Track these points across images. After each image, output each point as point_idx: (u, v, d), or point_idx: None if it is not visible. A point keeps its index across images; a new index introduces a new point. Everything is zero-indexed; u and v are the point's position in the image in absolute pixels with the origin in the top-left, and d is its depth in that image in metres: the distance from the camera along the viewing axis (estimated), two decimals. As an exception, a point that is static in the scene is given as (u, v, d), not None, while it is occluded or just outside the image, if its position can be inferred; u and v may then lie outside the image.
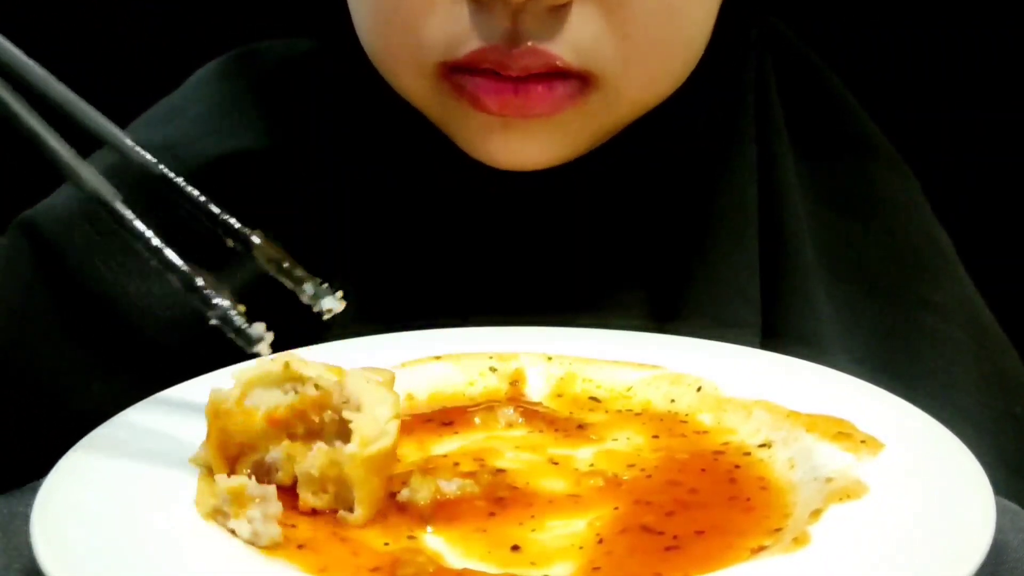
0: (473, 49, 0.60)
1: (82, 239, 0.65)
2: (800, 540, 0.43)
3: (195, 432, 0.49)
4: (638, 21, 0.61)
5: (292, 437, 0.48)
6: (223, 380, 0.50)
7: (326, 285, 0.50)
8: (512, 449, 0.53)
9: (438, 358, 0.60)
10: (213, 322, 0.47)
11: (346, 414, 0.47)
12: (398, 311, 0.67)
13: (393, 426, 0.48)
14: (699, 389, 0.57)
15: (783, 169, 0.73)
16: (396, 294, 0.69)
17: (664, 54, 0.63)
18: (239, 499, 0.45)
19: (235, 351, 0.49)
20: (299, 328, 0.54)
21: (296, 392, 0.48)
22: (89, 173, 0.48)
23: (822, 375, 0.57)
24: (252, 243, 0.50)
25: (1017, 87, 0.90)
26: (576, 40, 0.60)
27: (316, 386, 0.48)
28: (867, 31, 0.89)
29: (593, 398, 0.58)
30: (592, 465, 0.52)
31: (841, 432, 0.50)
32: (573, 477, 0.51)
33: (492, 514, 0.48)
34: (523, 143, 0.63)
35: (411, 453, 0.53)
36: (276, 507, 0.46)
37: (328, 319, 0.50)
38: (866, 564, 0.42)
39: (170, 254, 0.47)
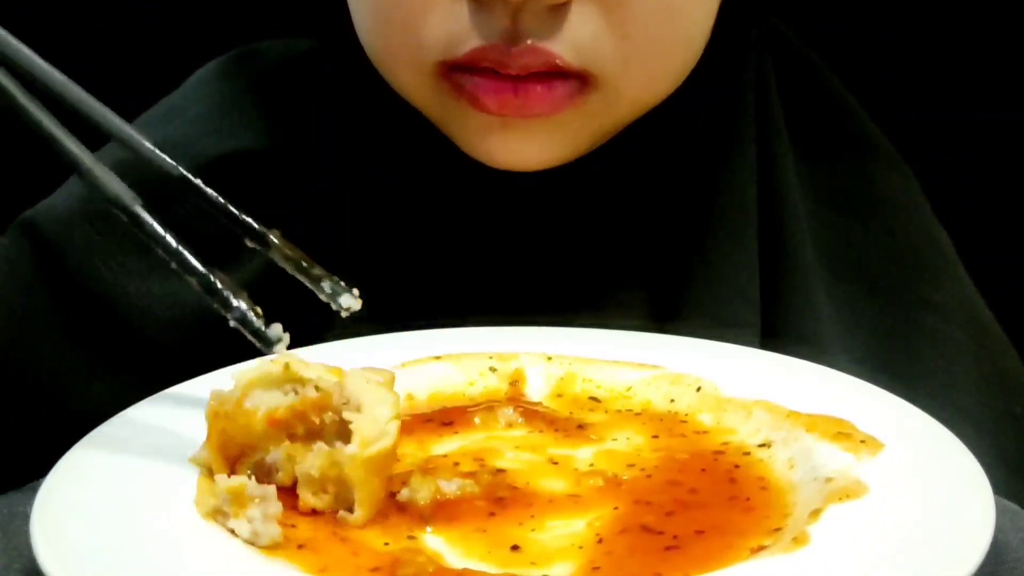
0: (473, 48, 0.60)
1: (82, 239, 0.65)
2: (800, 540, 0.43)
3: (195, 432, 0.49)
4: (638, 21, 0.61)
5: (292, 438, 0.48)
6: (223, 380, 0.50)
7: (343, 283, 0.51)
8: (512, 449, 0.53)
9: (438, 358, 0.60)
10: (232, 324, 0.47)
11: (346, 415, 0.47)
12: (398, 311, 0.67)
13: (393, 426, 0.48)
14: (699, 389, 0.57)
15: (783, 169, 0.73)
16: (396, 294, 0.69)
17: (664, 54, 0.63)
18: (239, 499, 0.45)
19: (235, 351, 0.49)
20: (299, 328, 0.54)
21: (296, 393, 0.48)
22: (107, 176, 0.48)
23: (822, 375, 0.57)
24: (270, 242, 0.51)
25: (1017, 87, 0.90)
26: (576, 39, 0.60)
27: (316, 387, 0.48)
28: (867, 31, 0.89)
29: (593, 398, 0.58)
30: (592, 465, 0.52)
31: (841, 432, 0.50)
32: (573, 477, 0.51)
33: (492, 514, 0.48)
34: (522, 143, 0.63)
35: (411, 453, 0.53)
36: (276, 507, 0.46)
37: (346, 316, 0.51)
38: (866, 564, 0.42)
39: (189, 256, 0.47)
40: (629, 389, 0.58)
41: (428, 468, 0.50)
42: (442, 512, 0.48)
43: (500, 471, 0.51)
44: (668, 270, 0.70)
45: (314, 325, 0.53)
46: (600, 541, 0.46)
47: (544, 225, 0.70)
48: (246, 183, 0.67)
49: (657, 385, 0.58)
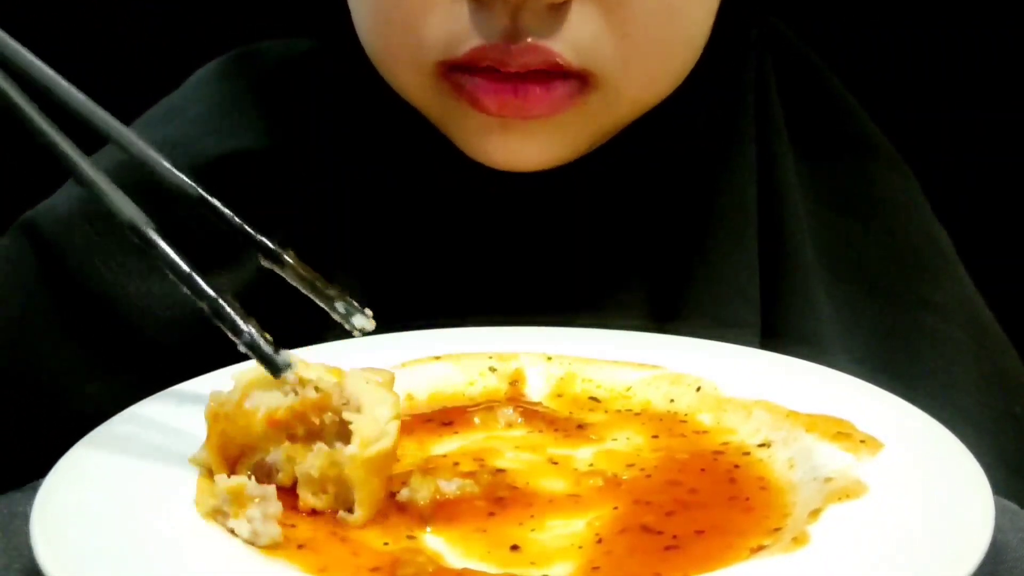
0: (473, 47, 0.60)
1: (82, 240, 0.65)
2: (799, 540, 0.43)
3: (195, 432, 0.49)
4: (638, 20, 0.61)
5: (292, 438, 0.48)
6: (223, 380, 0.50)
7: (357, 303, 0.52)
8: (512, 449, 0.53)
9: (438, 358, 0.60)
10: (242, 349, 0.48)
11: (346, 415, 0.47)
12: (398, 311, 0.67)
13: (393, 427, 0.48)
14: (699, 389, 0.57)
15: (783, 169, 0.73)
16: (396, 294, 0.69)
17: (664, 54, 0.63)
18: (239, 499, 0.45)
19: (235, 351, 0.49)
20: (299, 328, 0.54)
21: (296, 394, 0.48)
22: (121, 199, 0.48)
23: (822, 375, 0.57)
24: (285, 261, 0.52)
25: (1017, 87, 0.90)
26: (575, 38, 0.60)
27: (316, 388, 0.48)
28: (867, 31, 0.89)
29: (593, 398, 0.58)
30: (592, 465, 0.52)
31: (841, 432, 0.50)
32: (573, 477, 0.51)
33: (492, 514, 0.48)
34: (522, 144, 0.63)
35: (411, 453, 0.53)
36: (276, 507, 0.46)
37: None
38: (865, 564, 0.42)
39: (200, 281, 0.48)
40: (629, 389, 0.58)
41: (428, 468, 0.50)
42: (442, 512, 0.48)
43: (500, 471, 0.51)
44: (668, 270, 0.70)
45: (314, 325, 0.53)
46: (600, 541, 0.46)
47: (544, 225, 0.70)
48: (246, 183, 0.68)
49: (657, 385, 0.58)
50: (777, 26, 0.77)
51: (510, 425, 0.55)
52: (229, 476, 0.47)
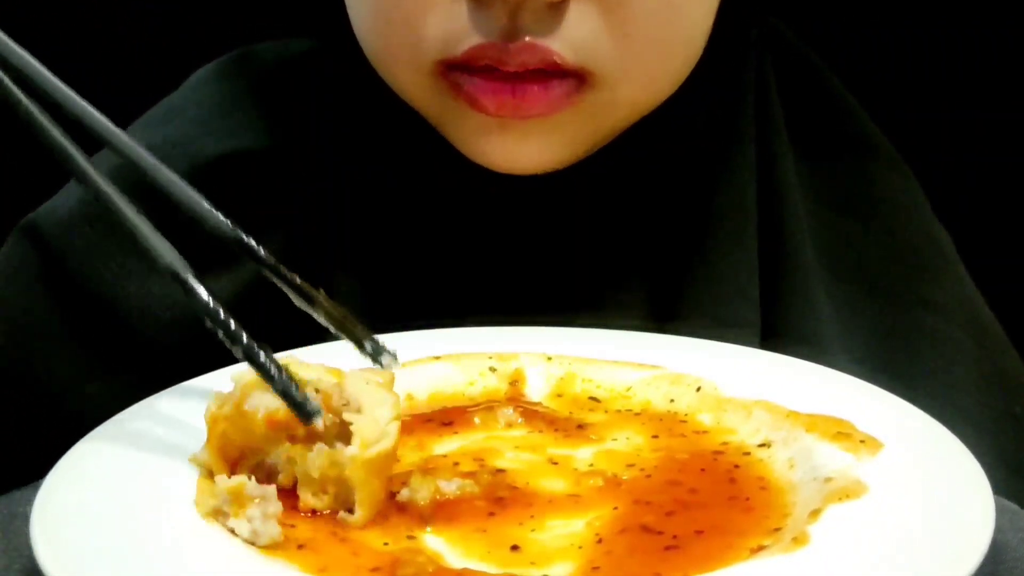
0: (471, 46, 0.60)
1: (83, 241, 0.65)
2: (799, 540, 0.43)
3: (195, 432, 0.49)
4: (637, 20, 0.61)
5: (292, 439, 0.48)
6: (223, 380, 0.50)
7: (384, 344, 0.53)
8: (512, 449, 0.53)
9: (438, 358, 0.60)
10: (274, 395, 0.48)
11: (346, 416, 0.47)
12: (398, 311, 0.67)
13: (393, 427, 0.48)
14: (699, 389, 0.57)
15: (783, 169, 0.73)
16: (396, 294, 0.69)
17: (663, 53, 0.63)
18: (239, 499, 0.45)
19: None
20: (299, 328, 0.54)
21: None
22: (162, 244, 0.48)
23: (822, 375, 0.57)
24: (316, 300, 0.52)
25: (1017, 87, 0.90)
26: (574, 37, 0.60)
27: (316, 389, 0.48)
28: (867, 31, 0.89)
29: (593, 398, 0.58)
30: (592, 465, 0.52)
31: (841, 432, 0.50)
32: (573, 477, 0.51)
33: (492, 514, 0.48)
34: (520, 145, 0.63)
35: (411, 453, 0.53)
36: (276, 507, 0.46)
37: None
38: (865, 564, 0.42)
39: (235, 326, 0.47)
40: (629, 389, 0.58)
41: (428, 468, 0.50)
42: (442, 512, 0.48)
43: (500, 471, 0.51)
44: (668, 270, 0.70)
45: (314, 325, 0.53)
46: (600, 541, 0.46)
47: (544, 225, 0.70)
48: (246, 183, 0.68)
49: (657, 385, 0.58)
50: (777, 26, 0.77)
51: (510, 425, 0.55)
52: (229, 477, 0.47)
